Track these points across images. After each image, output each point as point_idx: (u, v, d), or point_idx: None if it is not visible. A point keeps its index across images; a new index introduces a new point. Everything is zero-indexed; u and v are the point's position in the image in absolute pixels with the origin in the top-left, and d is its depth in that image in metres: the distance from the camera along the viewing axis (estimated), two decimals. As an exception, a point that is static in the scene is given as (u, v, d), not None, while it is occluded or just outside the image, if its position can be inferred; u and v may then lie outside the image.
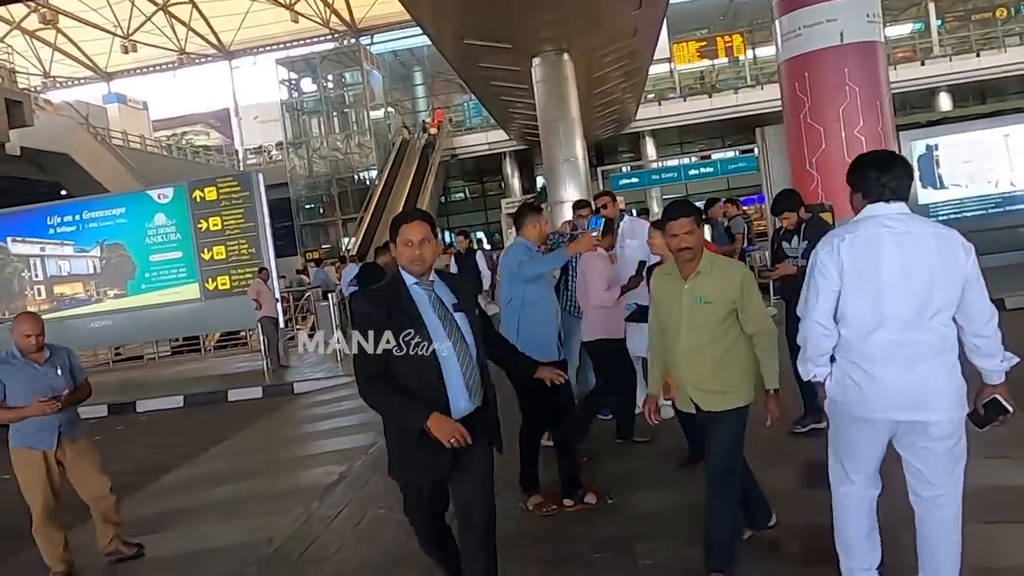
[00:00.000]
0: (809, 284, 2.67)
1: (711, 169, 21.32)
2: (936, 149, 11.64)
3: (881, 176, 2.58)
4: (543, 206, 23.30)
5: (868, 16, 9.01)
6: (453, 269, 10.31)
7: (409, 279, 2.80)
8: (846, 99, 8.95)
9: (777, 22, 9.57)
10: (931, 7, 33.78)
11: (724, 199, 11.77)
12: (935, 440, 2.55)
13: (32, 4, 28.13)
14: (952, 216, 11.33)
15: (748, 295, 3.10)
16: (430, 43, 21.21)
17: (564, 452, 4.39)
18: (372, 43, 35.78)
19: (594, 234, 4.41)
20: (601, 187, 24.43)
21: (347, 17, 35.48)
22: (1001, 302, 8.82)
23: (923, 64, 31.99)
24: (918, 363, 2.49)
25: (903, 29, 37.38)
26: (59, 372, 4.30)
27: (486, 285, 10.23)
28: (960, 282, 2.52)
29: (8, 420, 4.18)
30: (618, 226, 5.45)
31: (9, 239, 12.34)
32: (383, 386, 2.69)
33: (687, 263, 3.13)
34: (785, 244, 5.25)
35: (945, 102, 31.57)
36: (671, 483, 4.52)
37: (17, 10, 30.31)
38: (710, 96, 33.30)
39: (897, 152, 9.60)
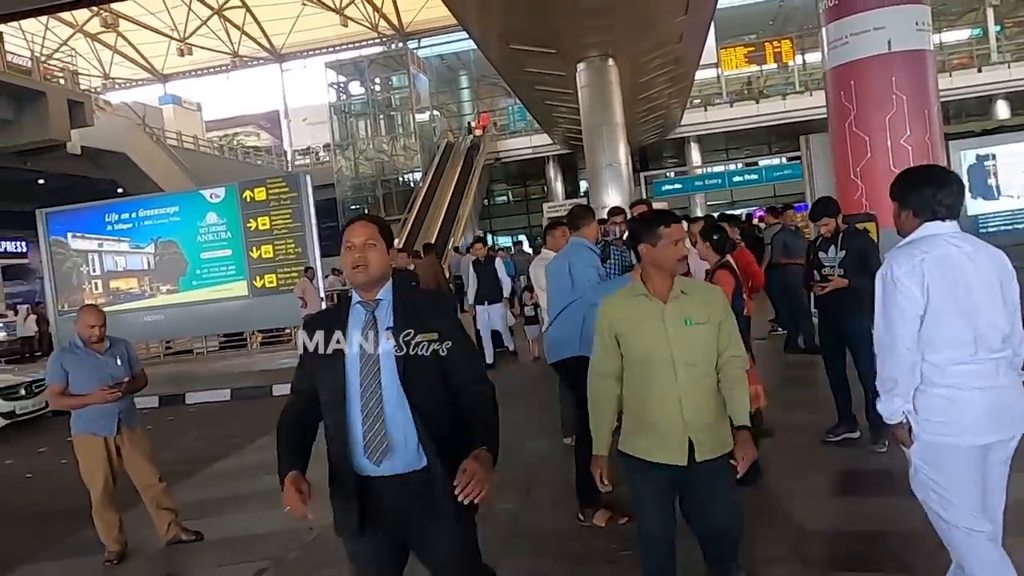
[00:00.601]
0: (888, 308, 2.42)
1: (756, 176, 21.20)
2: (993, 159, 11.37)
3: (938, 193, 2.46)
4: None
5: (917, 24, 8.85)
6: (471, 277, 9.99)
7: (355, 297, 2.35)
8: (893, 108, 8.81)
9: (824, 29, 9.46)
10: (989, 12, 32.94)
11: (766, 208, 11.70)
12: (1009, 456, 2.48)
13: (95, 8, 29.08)
14: (1003, 228, 11.09)
15: (730, 316, 2.76)
16: (476, 47, 21.41)
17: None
18: (419, 47, 36.24)
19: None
20: (643, 193, 24.41)
21: (395, 21, 36.00)
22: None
23: (980, 71, 31.22)
24: (1010, 381, 2.41)
25: (961, 35, 36.53)
26: (119, 362, 4.50)
27: (506, 292, 10.03)
28: (1018, 300, 2.46)
29: (72, 407, 4.38)
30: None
31: (70, 235, 12.85)
32: (284, 427, 2.45)
33: (665, 282, 2.71)
34: (822, 254, 5.18)
35: (1003, 110, 30.81)
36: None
37: (80, 14, 31.41)
38: (757, 102, 32.99)
39: (946, 165, 9.45)
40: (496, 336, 10.56)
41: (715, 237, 4.47)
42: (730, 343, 2.70)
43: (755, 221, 15.24)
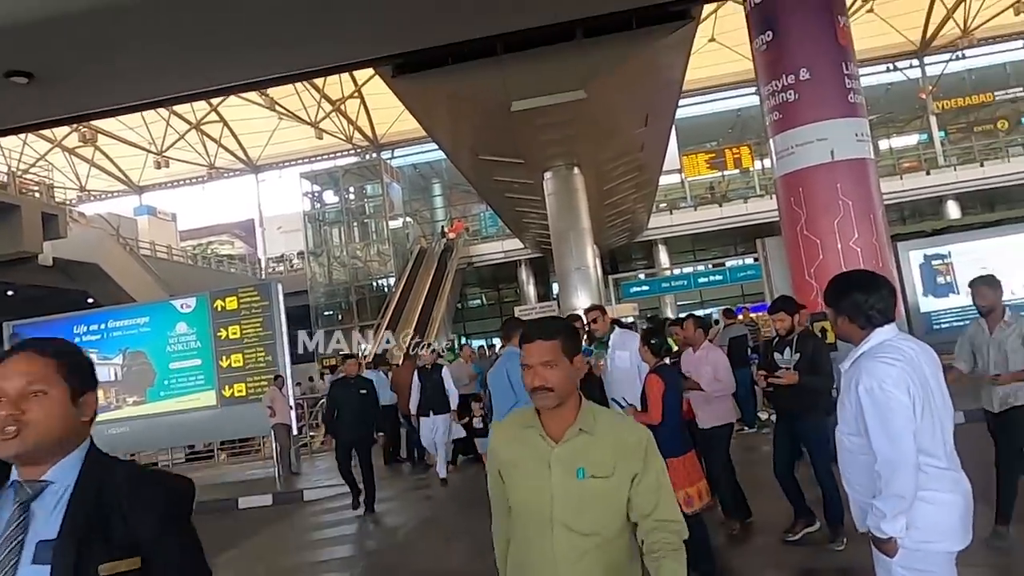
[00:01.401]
0: (888, 423, 2.36)
1: (720, 277, 21.75)
2: (948, 257, 11.87)
3: (869, 299, 2.52)
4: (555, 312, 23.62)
5: (857, 135, 9.46)
6: (415, 387, 9.47)
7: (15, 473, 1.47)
8: (840, 212, 9.29)
9: (771, 140, 10.06)
10: (932, 119, 34.94)
11: (723, 309, 12.05)
12: None
13: (75, 124, 29.77)
14: (955, 323, 11.49)
15: (653, 466, 2.02)
16: (447, 157, 22.18)
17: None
18: (392, 157, 37.39)
19: (587, 360, 4.85)
20: (612, 296, 24.84)
21: (369, 133, 37.24)
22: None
23: (928, 174, 32.82)
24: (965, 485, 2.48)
25: (910, 140, 38.54)
26: None
27: (453, 405, 9.39)
28: None
29: None
30: (608, 338, 5.70)
31: (36, 347, 12.75)
32: None
33: (551, 413, 2.02)
34: (777, 355, 5.28)
35: (953, 210, 32.19)
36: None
37: (59, 129, 32.11)
38: (720, 205, 34.23)
39: (894, 265, 9.75)
40: (460, 443, 10.44)
41: (652, 341, 4.67)
42: (658, 503, 1.97)
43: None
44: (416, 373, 9.63)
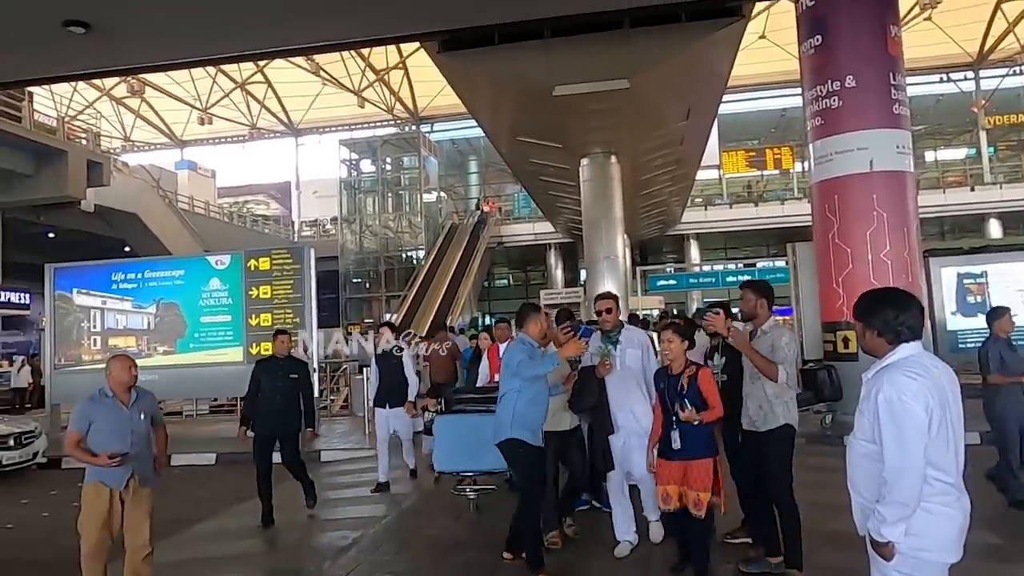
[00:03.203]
0: (902, 432, 2.46)
1: (749, 277, 21.64)
2: (984, 276, 11.74)
3: (900, 315, 2.61)
4: (582, 300, 23.72)
5: (898, 147, 9.40)
6: (373, 374, 8.30)
7: None
8: (873, 223, 9.27)
9: (811, 145, 10.04)
10: (982, 135, 34.23)
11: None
12: None
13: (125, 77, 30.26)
14: (980, 344, 11.40)
15: None
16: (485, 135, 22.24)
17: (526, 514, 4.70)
18: (432, 131, 37.51)
19: (583, 343, 4.82)
20: (639, 287, 24.84)
21: (411, 105, 37.37)
22: None
23: (973, 190, 32.21)
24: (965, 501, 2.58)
25: (956, 153, 37.82)
26: (142, 416, 4.47)
27: (412, 394, 7.98)
28: None
29: (80, 460, 4.37)
30: (619, 333, 5.19)
31: (75, 291, 13.14)
32: None
33: None
34: (709, 362, 5.00)
35: (995, 228, 31.61)
36: None
37: (108, 79, 32.67)
38: (756, 205, 33.94)
39: (924, 280, 9.66)
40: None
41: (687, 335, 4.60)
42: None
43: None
44: (373, 359, 8.48)
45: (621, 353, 5.07)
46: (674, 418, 4.38)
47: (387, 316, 27.65)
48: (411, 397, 8.00)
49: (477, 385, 7.40)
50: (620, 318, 5.42)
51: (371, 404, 8.42)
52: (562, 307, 8.54)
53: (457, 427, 6.09)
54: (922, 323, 2.64)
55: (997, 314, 6.31)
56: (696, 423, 4.28)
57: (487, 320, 34.29)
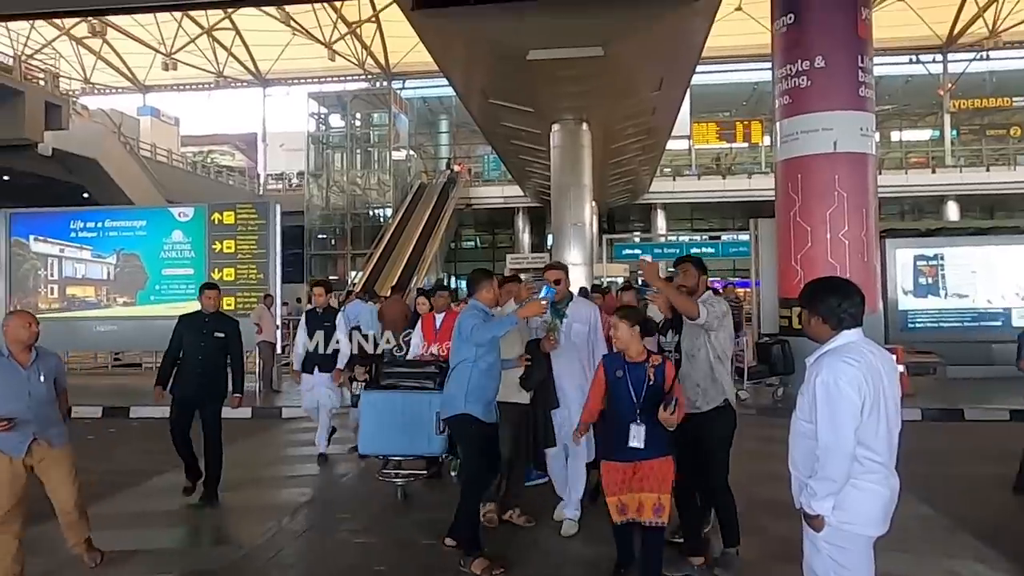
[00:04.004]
0: (835, 414, 2.63)
1: (713, 250, 22.01)
2: (937, 259, 12.07)
3: (843, 303, 2.73)
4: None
5: (862, 129, 9.57)
6: (300, 334, 7.39)
7: None
8: (834, 203, 9.46)
9: (778, 123, 10.17)
10: (946, 118, 34.82)
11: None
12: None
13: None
14: (929, 325, 11.81)
15: None
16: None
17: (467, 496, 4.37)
18: (403, 87, 36.99)
19: (544, 303, 4.41)
20: (605, 255, 25.03)
21: (382, 60, 36.74)
22: (960, 412, 9.25)
23: (934, 172, 32.86)
24: (893, 480, 2.74)
25: (922, 135, 38.42)
26: (41, 378, 4.10)
27: (341, 361, 7.17)
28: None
29: None
30: (567, 305, 4.98)
31: (32, 237, 12.88)
32: None
33: None
34: (662, 338, 4.64)
35: (953, 211, 32.36)
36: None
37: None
38: (724, 177, 34.26)
39: (881, 261, 9.87)
40: None
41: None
42: None
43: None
44: (304, 317, 7.55)
45: (567, 327, 4.87)
46: (638, 412, 3.84)
47: (353, 275, 27.54)
48: (340, 364, 7.21)
49: (408, 358, 6.51)
50: (571, 290, 5.18)
51: (296, 368, 7.46)
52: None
53: (385, 405, 5.57)
54: (863, 311, 2.77)
55: None
56: (671, 426, 3.78)
57: (453, 281, 34.35)
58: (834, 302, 2.75)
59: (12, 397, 3.97)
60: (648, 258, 4.82)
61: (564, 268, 5.14)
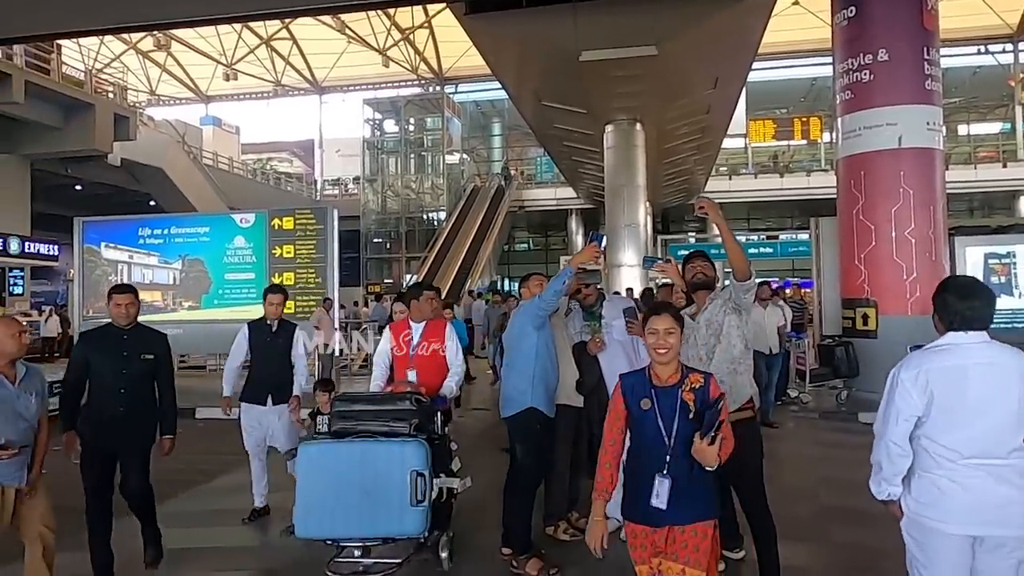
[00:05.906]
0: (888, 404, 2.67)
1: (771, 250, 21.53)
2: (1009, 257, 11.57)
3: (958, 304, 2.63)
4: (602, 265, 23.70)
5: (928, 124, 9.25)
6: (235, 352, 5.71)
7: None
8: (899, 201, 9.17)
9: (840, 119, 9.91)
10: (1019, 109, 33.44)
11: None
12: (1011, 557, 2.61)
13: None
14: (1002, 326, 11.31)
15: None
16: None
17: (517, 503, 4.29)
18: (456, 92, 37.25)
19: (595, 247, 4.32)
20: (660, 255, 24.76)
21: (435, 66, 37.06)
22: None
23: (1005, 166, 31.60)
24: (1002, 485, 2.57)
25: (992, 128, 36.99)
26: (32, 397, 3.56)
27: (297, 386, 5.53)
28: None
29: None
30: (600, 307, 4.99)
31: (103, 244, 13.35)
32: None
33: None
34: None
35: (1024, 207, 31.08)
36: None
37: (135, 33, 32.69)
38: (782, 176, 33.53)
39: (949, 259, 9.52)
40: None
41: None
42: None
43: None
44: (247, 331, 5.65)
45: (607, 327, 4.85)
46: (667, 459, 2.75)
47: (408, 278, 27.83)
48: (296, 390, 5.49)
49: (372, 388, 4.98)
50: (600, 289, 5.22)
51: (227, 393, 5.73)
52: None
53: (334, 462, 3.89)
54: (989, 315, 2.65)
55: None
56: (710, 465, 2.71)
57: (507, 285, 34.43)
58: (949, 300, 2.68)
59: (2, 418, 3.40)
60: (670, 259, 4.74)
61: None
